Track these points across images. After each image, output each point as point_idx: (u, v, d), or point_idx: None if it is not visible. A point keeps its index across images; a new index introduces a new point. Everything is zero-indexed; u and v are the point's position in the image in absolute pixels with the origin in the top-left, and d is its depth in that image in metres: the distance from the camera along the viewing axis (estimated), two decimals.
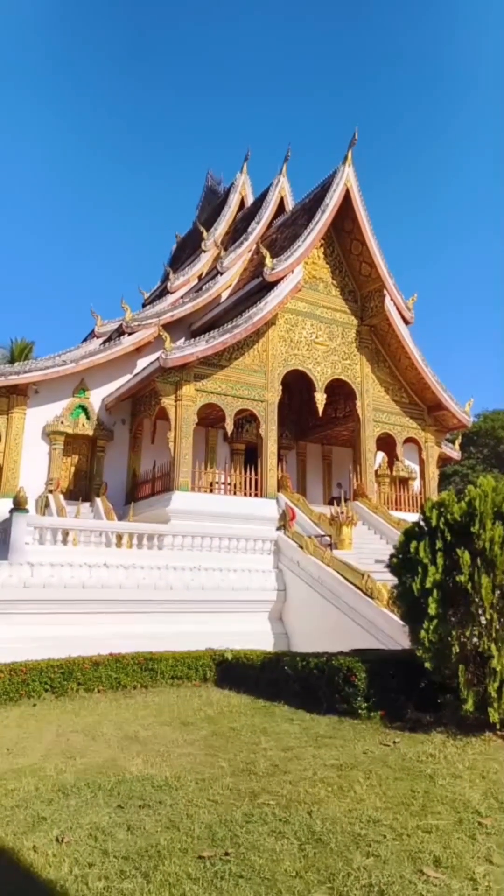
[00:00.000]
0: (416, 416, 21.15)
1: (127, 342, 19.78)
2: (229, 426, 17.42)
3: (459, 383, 68.23)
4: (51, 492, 17.60)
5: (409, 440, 20.99)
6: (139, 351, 20.18)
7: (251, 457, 19.80)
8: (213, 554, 14.02)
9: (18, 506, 11.99)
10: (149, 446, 19.58)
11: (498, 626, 6.85)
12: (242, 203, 27.09)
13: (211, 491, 17.48)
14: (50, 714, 8.26)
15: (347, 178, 19.42)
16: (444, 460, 23.63)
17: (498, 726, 6.67)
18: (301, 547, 14.12)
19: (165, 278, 25.36)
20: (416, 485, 22.92)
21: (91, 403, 19.45)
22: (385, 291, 19.57)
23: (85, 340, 22.17)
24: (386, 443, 20.84)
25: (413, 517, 10.26)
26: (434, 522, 7.38)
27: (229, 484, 17.81)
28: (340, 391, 20.08)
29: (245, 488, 17.47)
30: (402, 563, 7.66)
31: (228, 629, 12.66)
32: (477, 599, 6.84)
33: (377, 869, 3.64)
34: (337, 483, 23.42)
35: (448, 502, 7.45)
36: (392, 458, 21.83)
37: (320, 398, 18.95)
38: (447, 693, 7.09)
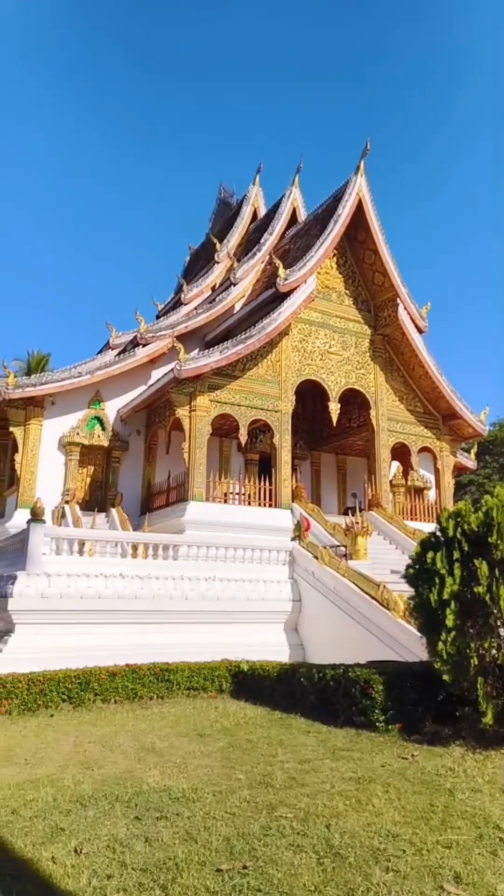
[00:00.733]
0: (431, 426, 21.04)
1: (141, 353, 19.94)
2: (243, 436, 17.46)
3: (474, 390, 67.68)
4: (67, 502, 17.73)
5: (423, 449, 20.88)
6: (153, 362, 20.34)
7: (265, 467, 19.83)
8: (227, 564, 14.01)
9: (35, 516, 12.09)
10: (163, 457, 19.66)
11: None
12: (255, 214, 27.26)
13: (225, 501, 17.51)
14: (67, 725, 8.30)
15: (360, 188, 19.51)
16: (459, 470, 23.47)
17: None
18: (316, 557, 14.06)
19: (179, 290, 25.56)
20: (431, 494, 22.74)
21: (106, 414, 19.60)
22: (398, 301, 19.58)
23: (100, 352, 22.37)
24: (400, 452, 20.75)
25: (429, 527, 10.19)
26: (451, 533, 7.33)
27: (243, 494, 17.81)
28: (354, 401, 20.07)
29: (259, 498, 17.49)
30: (419, 573, 7.61)
31: (244, 640, 12.64)
32: (495, 611, 6.78)
33: (397, 885, 3.60)
34: (352, 493, 23.31)
35: (465, 512, 7.40)
36: (407, 467, 21.71)
37: (334, 408, 18.94)
38: (465, 706, 7.02)
